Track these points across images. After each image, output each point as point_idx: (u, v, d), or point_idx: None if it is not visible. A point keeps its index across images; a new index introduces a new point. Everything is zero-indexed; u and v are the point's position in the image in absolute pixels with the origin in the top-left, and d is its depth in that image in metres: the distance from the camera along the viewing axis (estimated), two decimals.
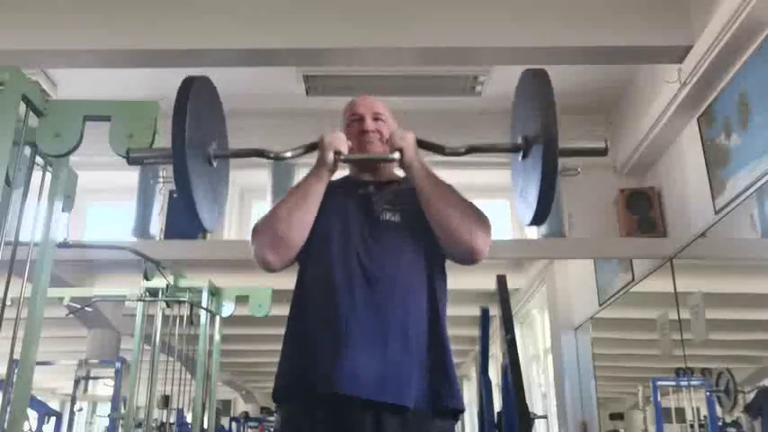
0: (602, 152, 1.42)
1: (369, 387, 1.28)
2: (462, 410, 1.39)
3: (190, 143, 1.32)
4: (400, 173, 1.56)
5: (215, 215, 1.51)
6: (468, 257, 1.43)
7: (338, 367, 1.29)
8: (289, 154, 1.49)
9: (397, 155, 1.45)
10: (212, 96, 1.53)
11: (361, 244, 1.42)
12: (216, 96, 1.54)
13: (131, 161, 1.51)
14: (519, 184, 1.52)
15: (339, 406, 1.30)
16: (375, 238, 1.44)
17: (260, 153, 1.49)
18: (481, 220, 1.43)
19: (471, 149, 1.48)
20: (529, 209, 1.40)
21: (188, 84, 1.37)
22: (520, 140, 1.45)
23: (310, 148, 1.49)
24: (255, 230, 1.44)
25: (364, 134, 1.56)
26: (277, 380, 1.39)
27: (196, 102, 1.37)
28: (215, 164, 1.48)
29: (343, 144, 1.46)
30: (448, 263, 1.52)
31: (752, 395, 3.65)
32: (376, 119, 1.57)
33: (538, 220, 1.39)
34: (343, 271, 1.39)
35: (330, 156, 1.43)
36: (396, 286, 1.39)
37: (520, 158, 1.46)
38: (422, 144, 1.48)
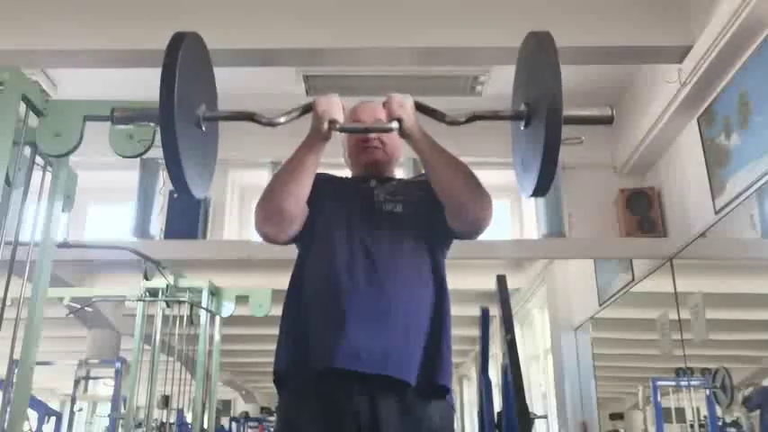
0: (609, 120, 1.36)
1: (368, 362, 1.29)
2: (449, 389, 1.38)
3: (178, 103, 1.22)
4: (400, 173, 1.56)
5: (204, 182, 1.44)
6: (475, 226, 1.43)
7: (337, 344, 1.30)
8: (282, 119, 1.41)
9: (395, 124, 1.39)
10: (203, 56, 1.44)
11: (363, 232, 1.43)
12: (207, 56, 1.46)
13: (116, 121, 1.42)
14: (520, 154, 1.46)
15: (336, 387, 1.31)
16: (378, 228, 1.44)
17: (251, 117, 1.40)
18: (483, 187, 1.43)
19: (473, 117, 1.41)
20: (530, 180, 1.34)
21: (178, 40, 1.28)
22: (522, 107, 1.38)
23: (304, 110, 1.42)
24: (256, 207, 1.45)
25: (366, 142, 1.56)
26: (276, 361, 1.39)
27: (186, 60, 1.27)
28: (204, 127, 1.38)
29: (338, 111, 1.39)
30: (448, 256, 1.51)
31: (750, 389, 3.66)
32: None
33: (540, 191, 1.32)
34: (346, 254, 1.40)
35: (325, 125, 1.38)
36: (398, 271, 1.39)
37: (522, 127, 1.39)
38: (421, 109, 1.42)
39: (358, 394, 1.30)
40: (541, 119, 1.25)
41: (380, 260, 1.39)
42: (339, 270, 1.38)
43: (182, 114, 1.25)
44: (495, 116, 1.47)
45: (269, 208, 1.42)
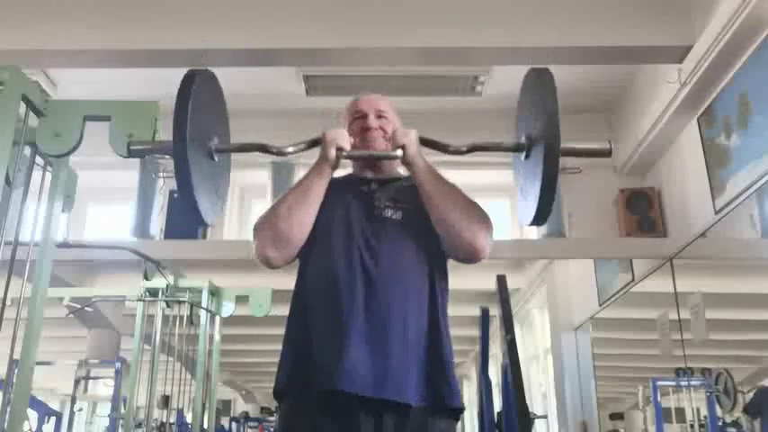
0: (607, 153, 1.41)
1: (368, 384, 1.28)
2: (462, 410, 1.38)
3: (191, 137, 1.30)
4: (402, 170, 1.56)
5: (215, 209, 1.50)
6: (470, 256, 1.42)
7: (338, 364, 1.29)
8: (291, 149, 1.48)
9: (399, 152, 1.45)
10: (215, 91, 1.51)
11: (362, 241, 1.42)
12: (219, 91, 1.53)
13: (132, 154, 1.50)
14: (520, 183, 1.51)
15: (338, 404, 1.30)
16: (376, 236, 1.43)
17: (262, 148, 1.48)
18: (483, 219, 1.43)
19: (474, 148, 1.47)
20: (529, 209, 1.40)
21: (191, 77, 1.36)
22: (523, 140, 1.45)
23: (313, 143, 1.48)
24: (256, 228, 1.44)
25: (367, 131, 1.56)
26: (278, 377, 1.39)
27: (198, 95, 1.35)
28: (216, 158, 1.46)
29: (345, 140, 1.45)
30: (449, 262, 1.52)
31: (751, 395, 3.65)
32: (379, 116, 1.57)
33: (538, 220, 1.39)
34: (345, 268, 1.39)
35: (332, 152, 1.43)
36: (397, 285, 1.38)
37: (522, 158, 1.45)
38: (424, 142, 1.48)
39: (363, 412, 1.29)
40: (540, 152, 1.31)
41: (379, 276, 1.38)
42: (338, 286, 1.37)
43: (194, 148, 1.33)
44: (496, 148, 1.53)
45: (275, 231, 1.41)
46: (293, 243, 1.42)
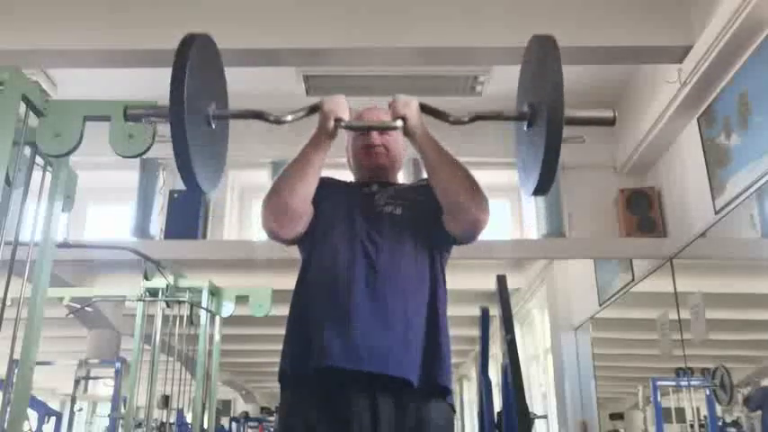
0: (610, 121, 1.39)
1: (369, 361, 1.30)
2: (449, 389, 1.40)
3: (188, 102, 1.27)
4: (401, 178, 1.57)
5: (213, 179, 1.46)
6: (472, 226, 1.44)
7: (339, 343, 1.31)
8: (289, 118, 1.44)
9: (399, 122, 1.42)
10: (213, 56, 1.47)
11: (365, 234, 1.44)
12: (217, 57, 1.49)
13: (129, 118, 1.47)
14: (522, 154, 1.48)
15: (338, 387, 1.32)
16: (378, 230, 1.46)
17: (259, 115, 1.44)
18: (481, 189, 1.45)
19: (476, 117, 1.45)
20: (532, 179, 1.37)
21: (188, 41, 1.32)
22: (525, 108, 1.41)
23: (311, 110, 1.45)
24: (262, 203, 1.46)
25: (370, 148, 1.57)
26: (281, 362, 1.41)
27: (196, 60, 1.31)
28: (214, 125, 1.43)
29: (344, 110, 1.42)
30: (449, 262, 1.53)
31: (749, 388, 3.66)
32: (383, 132, 1.57)
33: (541, 189, 1.35)
34: (348, 257, 1.41)
35: (331, 123, 1.41)
36: (398, 273, 1.41)
37: (525, 127, 1.42)
38: (426, 109, 1.45)
39: (359, 394, 1.31)
40: (544, 120, 1.27)
41: (380, 262, 1.41)
42: (341, 272, 1.39)
43: (192, 112, 1.28)
44: (498, 117, 1.49)
45: (276, 205, 1.44)
46: (295, 216, 1.45)
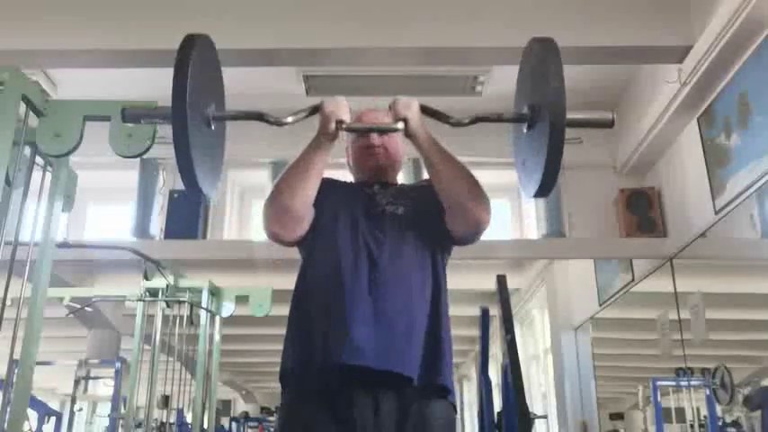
0: (609, 124, 1.39)
1: (371, 358, 1.31)
2: (450, 389, 1.40)
3: (190, 104, 1.26)
4: (402, 178, 1.57)
5: (212, 181, 1.46)
6: (474, 227, 1.45)
7: (340, 341, 1.32)
8: (290, 119, 1.44)
9: (401, 124, 1.42)
10: (212, 57, 1.47)
11: (367, 233, 1.45)
12: (215, 57, 1.48)
13: (127, 119, 1.45)
14: (522, 155, 1.48)
15: (340, 385, 1.32)
16: (380, 229, 1.46)
17: (260, 116, 1.44)
18: (483, 190, 1.46)
19: (476, 119, 1.44)
20: (533, 181, 1.36)
21: (189, 42, 1.32)
22: (525, 110, 1.41)
23: (312, 111, 1.44)
24: (264, 205, 1.46)
25: (370, 149, 1.57)
26: (283, 362, 1.41)
27: (197, 62, 1.31)
28: (213, 126, 1.42)
29: (345, 111, 1.42)
30: (449, 262, 1.53)
31: (749, 388, 3.66)
32: (382, 133, 1.57)
33: (543, 191, 1.35)
34: (350, 255, 1.42)
35: (332, 125, 1.40)
36: (400, 273, 1.41)
37: (525, 129, 1.41)
38: (427, 111, 1.45)
39: (361, 393, 1.32)
40: (545, 122, 1.27)
41: (382, 261, 1.41)
42: (343, 271, 1.39)
43: (192, 113, 1.28)
44: (498, 118, 1.48)
45: (277, 207, 1.44)
46: (297, 218, 1.45)
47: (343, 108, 1.42)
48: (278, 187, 1.45)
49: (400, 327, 1.35)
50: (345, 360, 1.30)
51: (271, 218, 1.45)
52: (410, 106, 1.43)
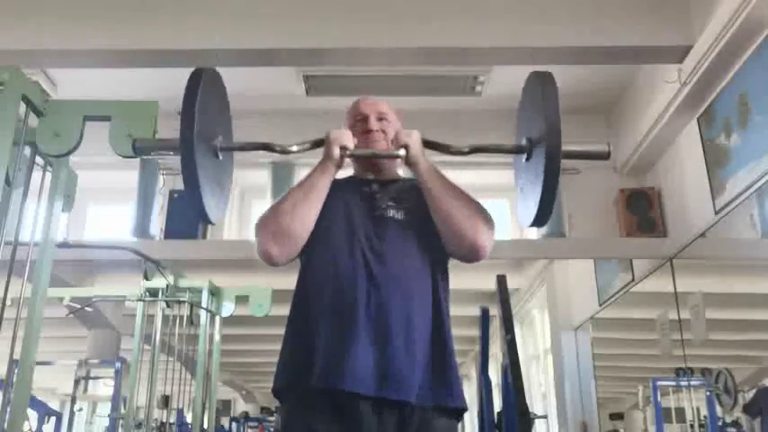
0: (605, 156, 1.44)
1: (369, 383, 1.29)
2: (464, 410, 1.39)
3: (197, 135, 1.31)
4: (402, 171, 1.57)
5: (219, 208, 1.51)
6: (471, 255, 1.43)
7: (340, 363, 1.30)
8: (295, 148, 1.49)
9: (402, 151, 1.46)
10: (220, 89, 1.52)
11: (365, 241, 1.43)
12: (223, 89, 1.54)
13: (137, 151, 1.49)
14: (521, 184, 1.52)
15: (340, 403, 1.30)
16: (379, 236, 1.44)
17: (266, 147, 1.49)
18: (485, 218, 1.44)
19: (475, 149, 1.49)
20: (529, 210, 1.41)
21: (198, 75, 1.37)
22: (524, 142, 1.46)
23: (317, 144, 1.49)
24: (259, 225, 1.44)
25: (369, 134, 1.57)
26: (277, 375, 1.40)
27: (205, 94, 1.36)
28: (221, 157, 1.48)
29: (349, 140, 1.47)
30: (450, 261, 1.52)
31: (751, 394, 3.65)
32: (380, 119, 1.58)
33: (538, 222, 1.40)
34: (348, 267, 1.39)
35: (336, 151, 1.45)
36: (399, 284, 1.39)
37: (523, 160, 1.47)
38: (426, 144, 1.50)
39: (365, 410, 1.30)
40: (541, 155, 1.32)
41: (382, 275, 1.38)
42: (341, 285, 1.37)
43: (200, 147, 1.33)
44: (497, 149, 1.56)
45: (276, 227, 1.42)
46: (295, 240, 1.43)
47: (347, 136, 1.48)
48: (279, 208, 1.43)
49: (401, 346, 1.33)
50: (344, 387, 1.28)
51: (267, 237, 1.42)
52: (411, 135, 1.47)
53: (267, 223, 1.43)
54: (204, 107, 1.35)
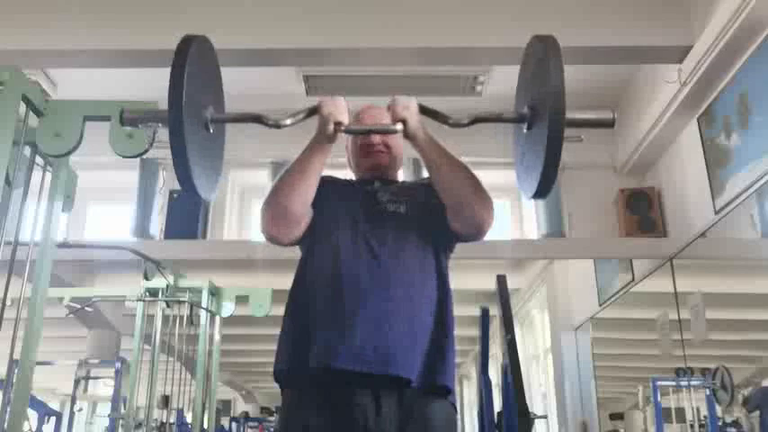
0: (610, 123, 1.37)
1: (370, 362, 1.29)
2: (451, 389, 1.39)
3: (187, 106, 1.24)
4: (402, 175, 1.56)
5: (211, 184, 1.45)
6: (476, 227, 1.44)
7: (340, 344, 1.30)
8: (288, 121, 1.42)
9: (400, 126, 1.40)
10: (211, 59, 1.45)
11: (367, 230, 1.43)
12: (214, 59, 1.46)
13: (125, 122, 1.44)
14: (521, 156, 1.46)
15: (339, 387, 1.31)
16: (381, 227, 1.45)
17: (258, 118, 1.42)
18: (485, 190, 1.44)
19: (475, 120, 1.42)
20: (532, 182, 1.34)
21: (187, 43, 1.30)
22: (525, 110, 1.39)
23: (310, 113, 1.43)
24: (262, 207, 1.45)
25: (370, 147, 1.57)
26: (277, 359, 1.40)
27: (194, 62, 1.29)
28: (212, 129, 1.40)
29: (343, 113, 1.39)
30: (450, 261, 1.52)
31: (749, 389, 3.65)
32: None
33: (541, 193, 1.33)
34: (350, 253, 1.40)
35: (330, 127, 1.38)
36: (403, 271, 1.40)
37: (524, 129, 1.40)
38: (426, 111, 1.43)
39: (362, 392, 1.31)
40: (544, 122, 1.25)
41: (384, 260, 1.39)
42: (343, 270, 1.38)
43: (190, 116, 1.26)
44: (497, 119, 1.46)
45: (275, 208, 1.42)
46: (295, 220, 1.44)
47: (341, 109, 1.39)
48: (276, 188, 1.43)
49: (401, 328, 1.33)
50: (344, 365, 1.29)
51: (268, 219, 1.43)
52: (409, 107, 1.40)
53: (267, 206, 1.44)
54: (194, 75, 1.28)
